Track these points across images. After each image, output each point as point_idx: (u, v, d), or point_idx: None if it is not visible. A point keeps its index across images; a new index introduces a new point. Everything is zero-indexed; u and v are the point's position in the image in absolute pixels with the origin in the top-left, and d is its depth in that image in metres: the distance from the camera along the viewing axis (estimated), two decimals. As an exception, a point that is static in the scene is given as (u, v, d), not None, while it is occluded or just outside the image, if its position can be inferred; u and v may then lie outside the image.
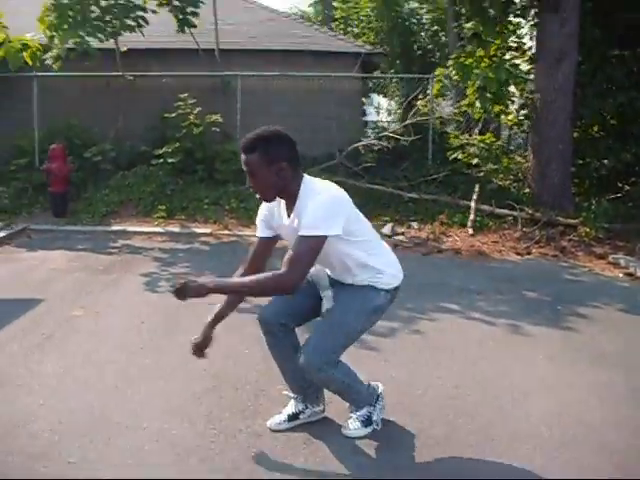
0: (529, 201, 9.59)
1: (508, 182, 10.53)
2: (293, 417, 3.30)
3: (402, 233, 8.98)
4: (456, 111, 11.51)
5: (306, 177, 2.93)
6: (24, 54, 9.57)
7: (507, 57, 9.62)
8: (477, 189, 9.59)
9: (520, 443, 3.18)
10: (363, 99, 14.61)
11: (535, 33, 9.75)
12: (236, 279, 2.96)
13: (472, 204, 9.39)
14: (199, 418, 3.35)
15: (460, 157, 10.09)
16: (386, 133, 11.16)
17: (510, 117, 10.26)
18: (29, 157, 10.18)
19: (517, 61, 9.74)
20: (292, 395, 3.35)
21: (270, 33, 12.10)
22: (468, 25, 9.40)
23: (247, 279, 2.84)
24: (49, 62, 9.67)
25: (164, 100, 10.44)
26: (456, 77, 9.64)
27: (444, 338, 4.83)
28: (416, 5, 18.20)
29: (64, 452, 2.96)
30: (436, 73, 10.75)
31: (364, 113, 14.16)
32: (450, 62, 9.75)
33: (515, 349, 4.64)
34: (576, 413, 3.55)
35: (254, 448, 3.06)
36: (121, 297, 5.67)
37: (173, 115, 10.27)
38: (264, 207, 3.10)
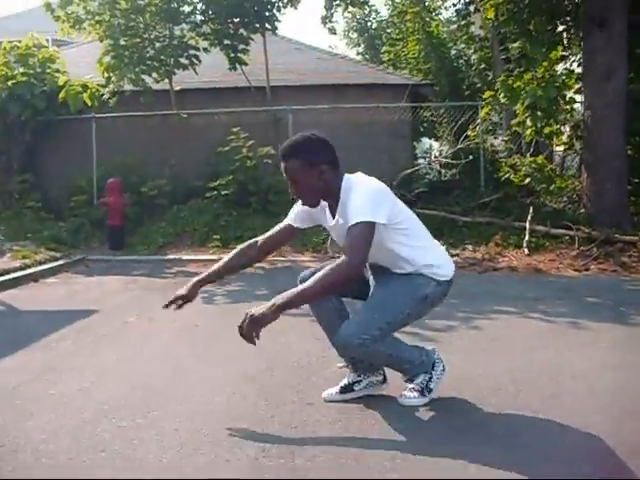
0: (585, 221, 9.35)
1: (562, 204, 10.33)
2: (346, 388, 3.19)
3: (457, 255, 8.86)
4: (506, 139, 11.46)
5: (346, 175, 2.95)
6: (84, 95, 10.02)
7: (556, 72, 9.54)
8: (531, 210, 9.44)
9: (585, 412, 3.03)
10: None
11: (582, 50, 9.65)
12: (299, 288, 2.82)
13: (527, 225, 9.23)
14: (251, 392, 3.32)
15: (513, 178, 9.98)
16: (438, 158, 11.13)
17: (562, 138, 10.12)
18: (87, 195, 10.52)
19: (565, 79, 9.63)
20: (343, 364, 3.28)
21: (319, 70, 12.38)
22: (515, 45, 9.41)
23: (311, 282, 2.74)
24: (106, 97, 10.06)
25: (217, 136, 10.70)
26: (505, 100, 9.61)
27: (501, 332, 4.72)
28: (463, 46, 18.37)
29: (115, 418, 2.95)
30: (484, 96, 10.73)
31: (414, 147, 14.20)
32: (498, 84, 9.75)
33: (575, 339, 4.49)
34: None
35: (305, 414, 3.00)
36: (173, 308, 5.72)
37: (227, 148, 10.50)
38: (304, 208, 3.11)
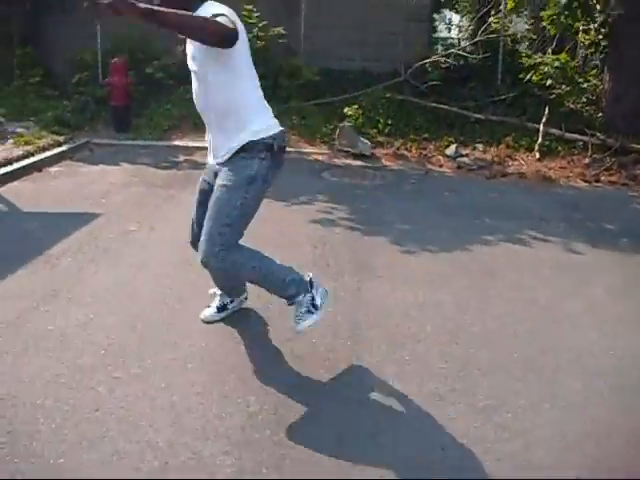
0: (601, 127, 9.10)
1: (580, 105, 9.99)
2: (222, 308, 3.56)
3: (466, 155, 8.70)
4: (530, 28, 10.90)
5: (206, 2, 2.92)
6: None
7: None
8: (547, 111, 9.15)
9: (568, 373, 3.10)
10: (434, 15, 13.96)
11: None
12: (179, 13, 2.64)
13: (541, 127, 9.00)
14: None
15: (534, 78, 9.57)
16: (454, 50, 10.64)
17: (589, 35, 9.61)
18: (92, 71, 10.18)
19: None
20: (218, 292, 3.55)
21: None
22: None
23: (190, 17, 2.70)
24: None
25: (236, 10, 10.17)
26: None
27: (498, 264, 4.72)
28: None
29: (111, 366, 3.03)
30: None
31: (434, 29, 13.52)
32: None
33: (571, 279, 4.49)
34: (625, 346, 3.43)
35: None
36: (178, 212, 5.71)
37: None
38: None
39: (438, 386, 2.98)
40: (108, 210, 5.68)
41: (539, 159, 8.62)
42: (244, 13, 9.96)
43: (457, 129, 9.45)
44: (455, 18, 16.73)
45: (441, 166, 8.40)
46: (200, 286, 3.78)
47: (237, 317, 3.59)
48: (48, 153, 7.67)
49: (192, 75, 3.05)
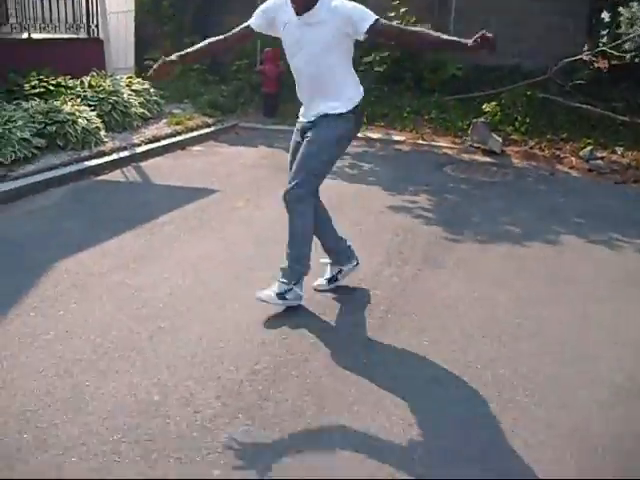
0: None
1: None
2: (332, 279, 4.04)
3: (602, 158, 8.38)
4: None
5: None
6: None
7: None
8: None
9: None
10: (605, 12, 13.30)
11: None
12: None
13: (693, 132, 8.44)
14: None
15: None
16: (603, 48, 10.18)
17: None
18: (250, 59, 10.96)
19: None
20: (328, 261, 3.99)
21: None
22: None
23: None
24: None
25: (378, 7, 10.49)
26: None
27: (571, 270, 4.66)
28: None
29: (160, 319, 3.55)
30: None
31: (595, 24, 12.82)
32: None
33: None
34: None
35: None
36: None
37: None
38: (277, 2, 3.54)
39: (437, 373, 3.17)
40: (226, 188, 6.28)
41: (687, 165, 8.10)
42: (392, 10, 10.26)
43: (600, 131, 9.10)
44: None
45: (571, 168, 8.17)
46: (277, 262, 4.18)
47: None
48: (195, 133, 8.50)
49: (301, 56, 3.53)
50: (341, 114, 3.54)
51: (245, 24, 3.67)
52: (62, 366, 3.03)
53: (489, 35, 3.08)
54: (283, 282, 3.62)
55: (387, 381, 3.04)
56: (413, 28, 3.44)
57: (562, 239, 5.34)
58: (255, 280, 4.03)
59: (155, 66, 3.65)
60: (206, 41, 3.78)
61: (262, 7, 3.62)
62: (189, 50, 3.79)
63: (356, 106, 3.60)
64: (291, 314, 3.65)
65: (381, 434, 2.65)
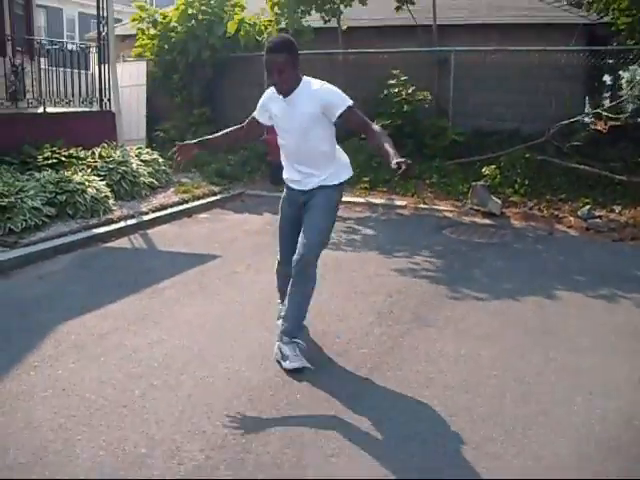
0: None
1: None
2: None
3: (599, 217, 8.54)
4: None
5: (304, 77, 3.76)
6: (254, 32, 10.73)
7: None
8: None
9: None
10: (607, 76, 13.70)
11: None
12: (390, 144, 3.63)
13: (691, 190, 8.59)
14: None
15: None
16: (597, 110, 10.47)
17: None
18: (257, 128, 11.35)
19: None
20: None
21: (490, 7, 11.93)
22: None
23: (387, 139, 3.65)
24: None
25: (379, 74, 10.93)
26: None
27: (559, 327, 4.76)
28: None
29: (153, 376, 3.71)
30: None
31: (597, 87, 13.22)
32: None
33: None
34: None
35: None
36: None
37: (384, 94, 10.74)
38: (267, 95, 3.92)
39: (407, 424, 3.28)
40: (228, 253, 6.51)
41: (684, 224, 8.23)
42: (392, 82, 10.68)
43: (598, 191, 9.26)
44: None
45: (570, 227, 8.33)
46: (270, 323, 4.37)
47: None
48: (202, 201, 8.80)
49: (290, 132, 3.84)
50: (334, 185, 3.89)
51: (251, 116, 4.06)
52: (57, 421, 3.18)
53: (409, 162, 3.31)
54: (295, 341, 3.89)
55: (366, 436, 3.15)
56: (374, 126, 3.69)
57: (555, 295, 5.47)
58: (248, 340, 4.20)
59: (175, 149, 4.04)
60: (226, 130, 4.18)
61: (260, 103, 3.99)
62: (209, 137, 4.17)
63: (347, 179, 3.99)
64: (278, 371, 3.80)
65: (356, 484, 2.77)
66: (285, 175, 4.10)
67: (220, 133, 4.21)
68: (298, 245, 3.83)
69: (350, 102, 3.68)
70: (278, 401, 3.46)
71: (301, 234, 3.86)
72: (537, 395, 3.64)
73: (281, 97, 3.75)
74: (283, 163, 4.09)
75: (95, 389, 3.54)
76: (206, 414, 3.30)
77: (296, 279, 3.85)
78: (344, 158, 4.06)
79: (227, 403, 3.43)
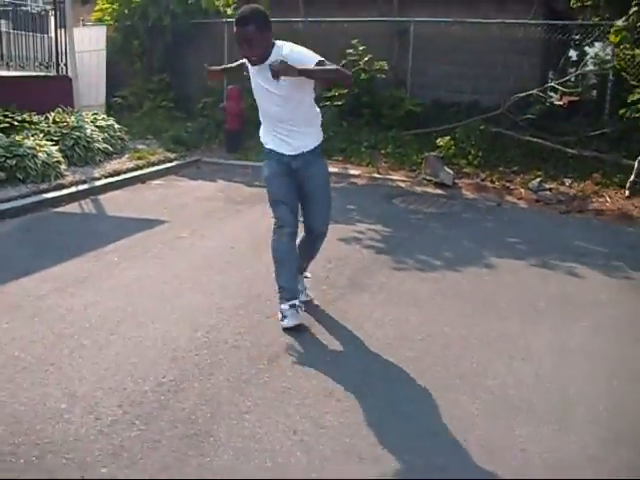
0: None
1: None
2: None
3: (550, 189, 8.73)
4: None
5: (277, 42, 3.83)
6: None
7: None
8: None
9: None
10: (572, 52, 13.79)
11: None
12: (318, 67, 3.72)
13: (635, 164, 8.78)
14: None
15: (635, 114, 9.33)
16: (552, 84, 10.61)
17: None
18: (216, 97, 11.35)
19: None
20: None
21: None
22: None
23: (326, 68, 3.72)
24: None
25: (339, 44, 10.92)
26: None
27: (492, 293, 4.92)
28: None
29: (83, 336, 3.80)
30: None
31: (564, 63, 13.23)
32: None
33: (570, 317, 4.56)
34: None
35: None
36: (233, 225, 6.48)
37: (343, 63, 10.74)
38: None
39: (323, 384, 3.42)
40: (176, 219, 6.57)
41: (628, 197, 8.44)
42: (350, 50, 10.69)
43: (550, 164, 9.46)
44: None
45: (520, 199, 8.51)
46: (206, 286, 4.45)
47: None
48: (157, 167, 8.83)
49: (270, 96, 3.90)
50: (319, 153, 4.16)
51: (242, 62, 4.12)
52: (-19, 379, 3.27)
53: (281, 63, 3.57)
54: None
55: (282, 394, 3.28)
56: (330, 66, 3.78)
57: (493, 263, 5.63)
58: (181, 303, 4.31)
59: (206, 74, 4.35)
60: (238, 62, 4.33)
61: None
62: (232, 65, 4.48)
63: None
64: (206, 332, 3.92)
65: (264, 441, 2.89)
66: (268, 143, 4.11)
67: (236, 63, 4.31)
68: (313, 220, 4.22)
69: (319, 58, 3.74)
70: (201, 361, 3.57)
71: (312, 208, 4.19)
72: (457, 359, 3.78)
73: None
74: (263, 130, 4.14)
75: (24, 348, 3.62)
76: (129, 372, 3.41)
77: (318, 242, 4.36)
78: (318, 120, 4.17)
79: (152, 362, 3.53)
